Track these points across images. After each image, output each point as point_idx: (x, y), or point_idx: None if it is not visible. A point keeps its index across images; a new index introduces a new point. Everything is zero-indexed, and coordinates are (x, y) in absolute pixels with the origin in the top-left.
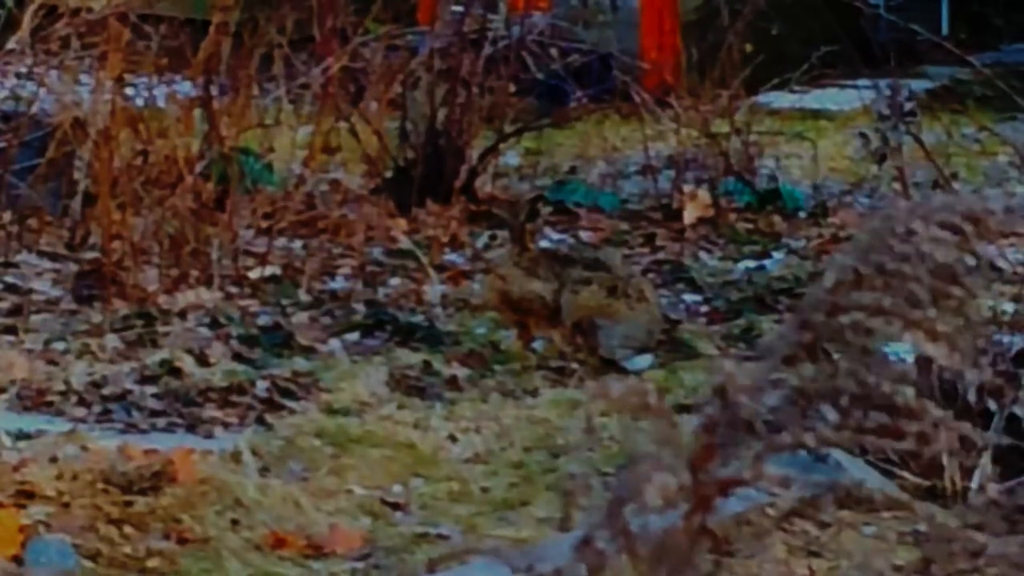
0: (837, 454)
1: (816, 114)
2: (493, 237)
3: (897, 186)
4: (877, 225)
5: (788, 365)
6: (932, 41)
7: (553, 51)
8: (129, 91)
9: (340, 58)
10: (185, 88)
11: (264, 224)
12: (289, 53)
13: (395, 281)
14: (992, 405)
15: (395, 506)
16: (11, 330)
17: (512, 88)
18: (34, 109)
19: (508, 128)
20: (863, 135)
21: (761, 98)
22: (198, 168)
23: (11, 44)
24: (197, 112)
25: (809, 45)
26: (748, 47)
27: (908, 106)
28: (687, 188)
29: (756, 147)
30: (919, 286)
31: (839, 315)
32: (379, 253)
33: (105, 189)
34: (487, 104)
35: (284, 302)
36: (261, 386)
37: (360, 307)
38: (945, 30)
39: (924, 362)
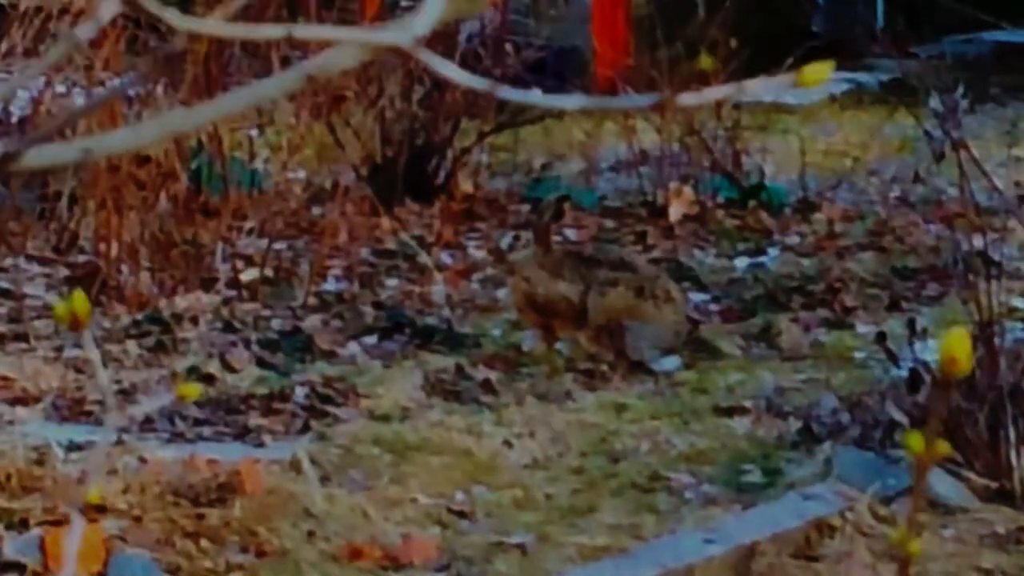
0: (908, 456)
1: (777, 108)
2: (517, 238)
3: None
4: None
5: None
6: (870, 33)
7: (508, 46)
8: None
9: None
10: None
11: (251, 226)
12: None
13: (392, 282)
14: None
15: (461, 514)
16: (21, 337)
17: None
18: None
19: (485, 125)
20: (927, 133)
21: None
22: (184, 170)
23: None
24: None
25: (759, 35)
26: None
27: (963, 105)
28: (672, 185)
29: (736, 137)
30: None
31: None
32: (368, 253)
33: (93, 192)
34: (461, 101)
35: (293, 305)
36: (300, 393)
37: (367, 309)
38: (881, 21)
39: (989, 364)
